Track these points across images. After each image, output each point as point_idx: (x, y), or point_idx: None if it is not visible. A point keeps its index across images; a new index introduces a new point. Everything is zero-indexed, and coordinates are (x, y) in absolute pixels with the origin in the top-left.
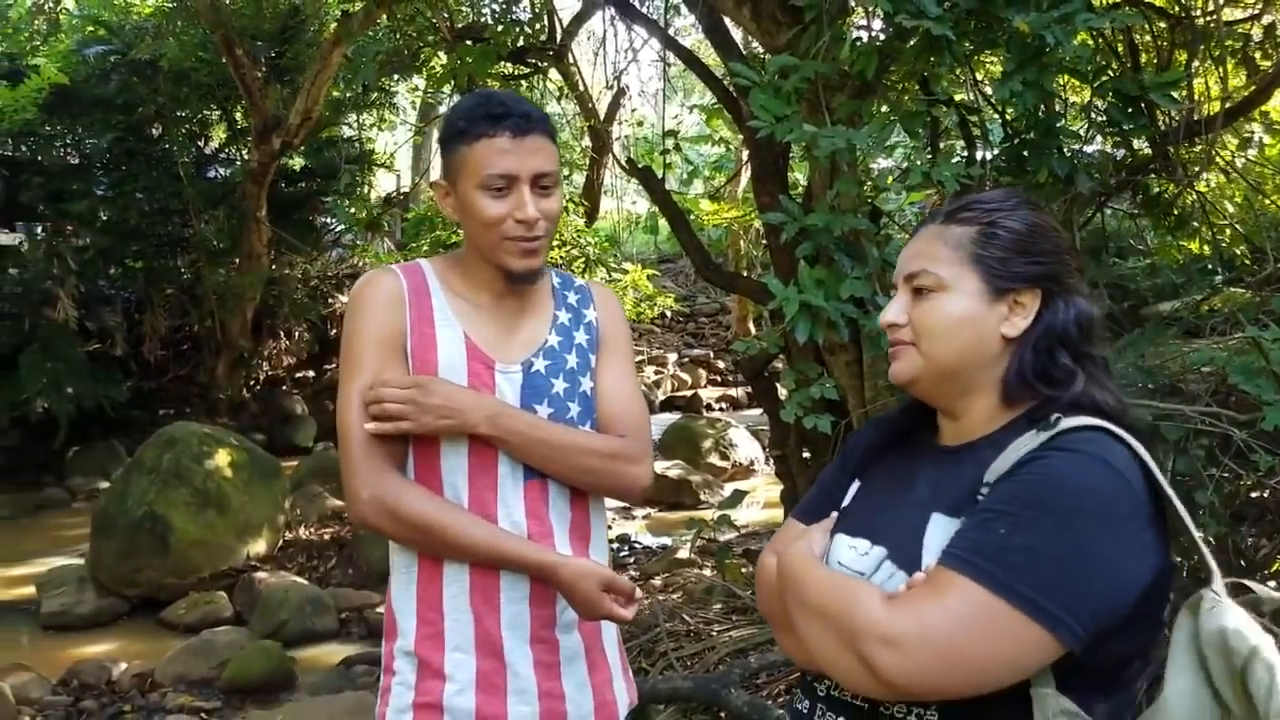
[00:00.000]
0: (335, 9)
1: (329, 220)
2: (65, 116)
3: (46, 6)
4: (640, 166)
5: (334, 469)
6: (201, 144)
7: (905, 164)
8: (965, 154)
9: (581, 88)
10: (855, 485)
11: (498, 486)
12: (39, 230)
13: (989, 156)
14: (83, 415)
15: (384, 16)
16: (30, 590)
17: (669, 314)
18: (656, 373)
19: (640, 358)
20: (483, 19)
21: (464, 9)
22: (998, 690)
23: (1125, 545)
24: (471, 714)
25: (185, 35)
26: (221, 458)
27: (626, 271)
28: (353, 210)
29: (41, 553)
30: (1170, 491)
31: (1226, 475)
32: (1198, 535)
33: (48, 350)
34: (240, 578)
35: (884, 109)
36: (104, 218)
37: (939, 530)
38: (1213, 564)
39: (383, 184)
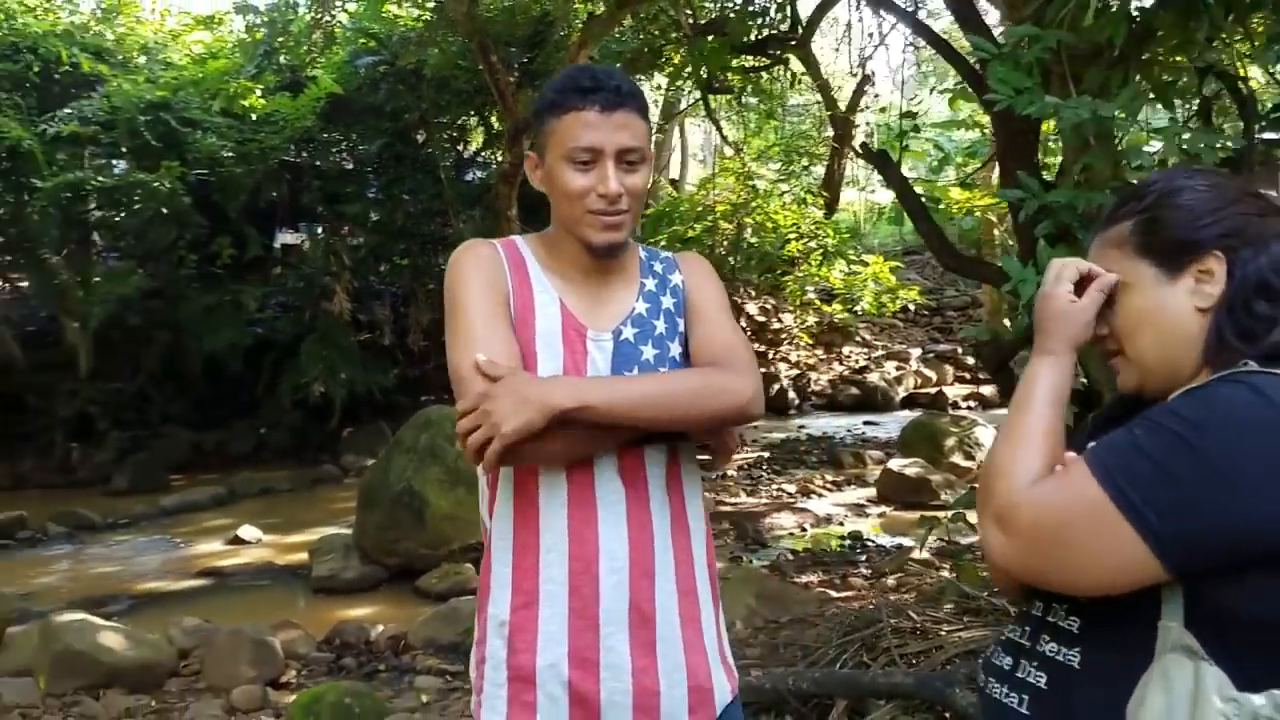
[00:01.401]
0: (583, 13)
1: None
2: (340, 124)
3: (323, 20)
4: (876, 151)
5: None
6: (460, 148)
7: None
8: (1237, 126)
9: (824, 76)
10: None
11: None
12: (319, 230)
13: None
14: (355, 399)
15: (628, 18)
16: (304, 556)
17: (912, 307)
18: (898, 368)
19: (880, 353)
20: (726, 12)
21: (707, 4)
22: (1133, 623)
23: (1259, 477)
24: (564, 687)
25: (445, 44)
26: None
27: (867, 264)
28: None
29: (315, 523)
30: None
31: None
32: None
33: (325, 340)
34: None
35: (1137, 80)
36: (374, 218)
37: None
38: None
39: None
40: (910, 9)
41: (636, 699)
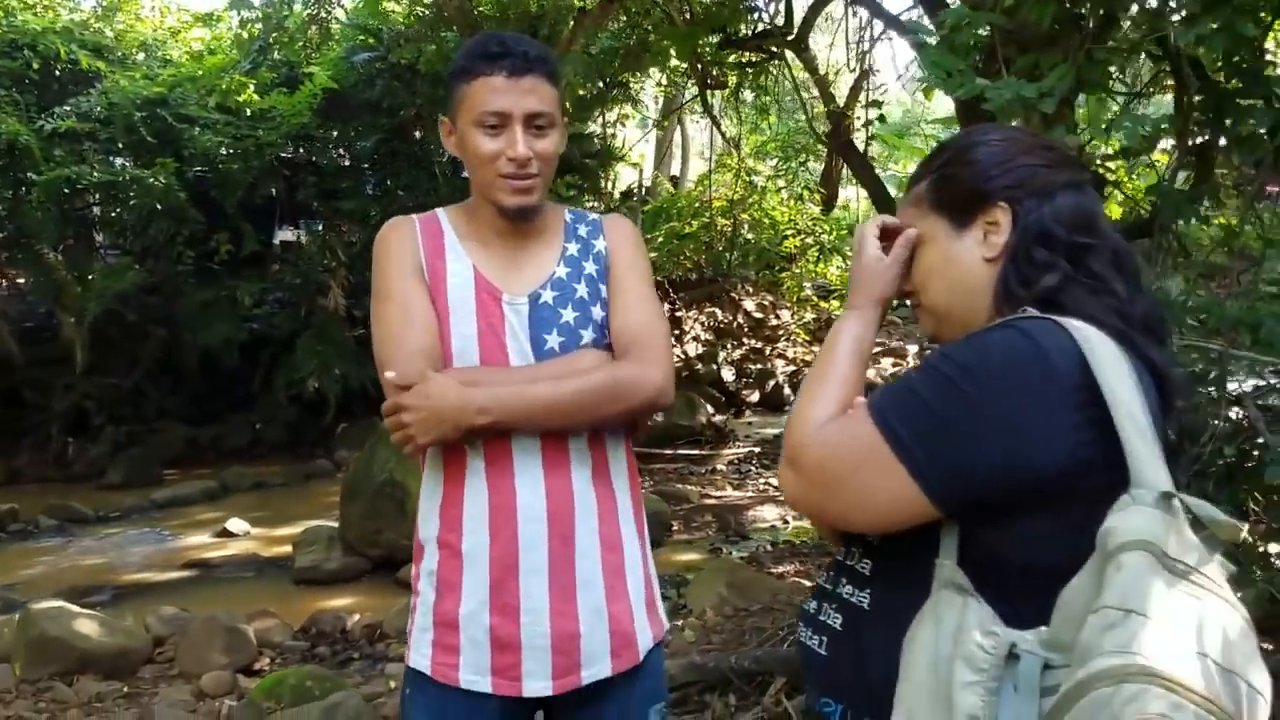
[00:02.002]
0: (574, 8)
1: None
2: (337, 120)
3: (320, 16)
4: (843, 142)
5: None
6: None
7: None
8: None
9: (820, 73)
10: None
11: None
12: (319, 227)
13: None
14: (349, 395)
15: (621, 13)
16: (288, 549)
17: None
18: (895, 364)
19: (877, 349)
20: (718, 5)
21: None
22: (915, 564)
23: (1022, 418)
24: (486, 632)
25: (440, 40)
26: None
27: None
28: (592, 204)
29: (303, 516)
30: (1115, 391)
31: None
32: (1128, 435)
33: (321, 335)
34: None
35: (1064, 61)
36: (371, 214)
37: None
38: (1136, 465)
39: (625, 177)
40: (911, 5)
41: (555, 642)
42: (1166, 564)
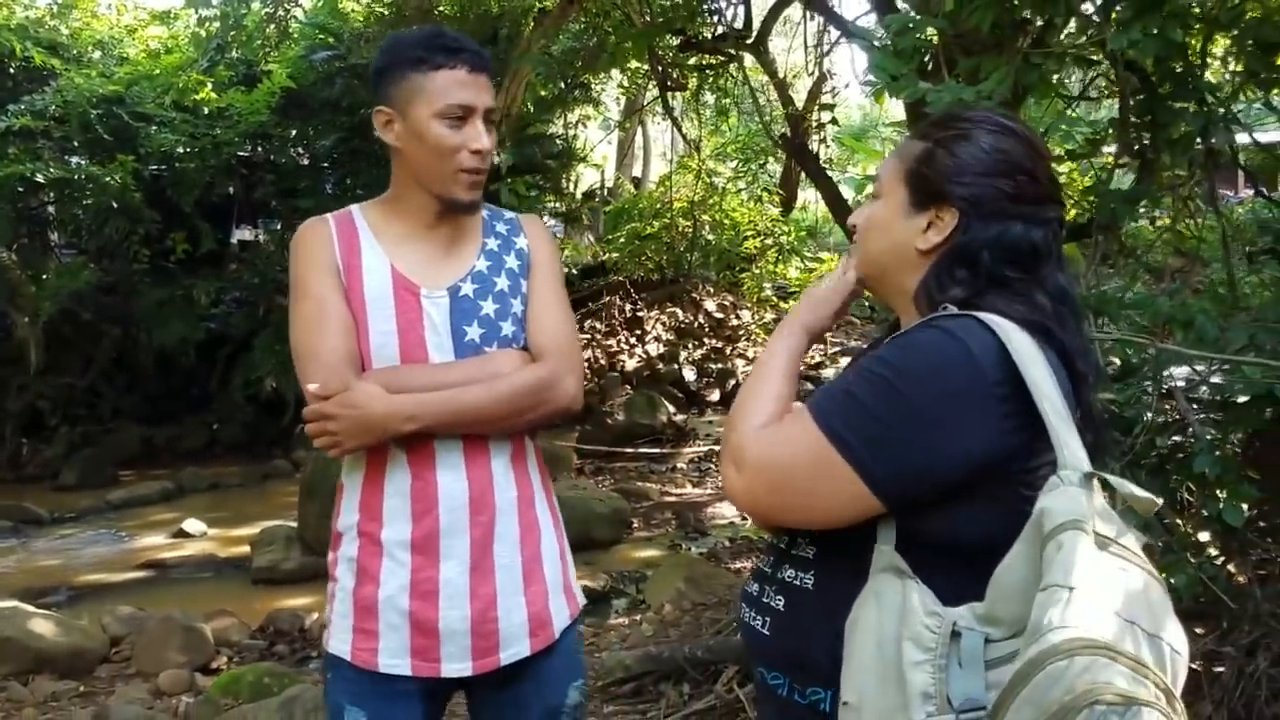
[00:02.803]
0: (535, 8)
1: None
2: (296, 119)
3: (277, 15)
4: (796, 143)
5: None
6: None
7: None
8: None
9: (779, 76)
10: None
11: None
12: (277, 226)
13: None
14: None
15: (581, 15)
16: (246, 549)
17: (868, 303)
18: (852, 363)
19: (835, 349)
20: (678, 8)
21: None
22: (858, 548)
23: (955, 415)
24: (405, 616)
25: None
26: None
27: (823, 261)
28: (553, 204)
29: (261, 516)
30: (1039, 384)
31: None
32: (1053, 424)
33: (279, 335)
34: None
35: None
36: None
37: None
38: (1062, 451)
39: (587, 178)
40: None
41: (474, 625)
42: (1096, 540)
